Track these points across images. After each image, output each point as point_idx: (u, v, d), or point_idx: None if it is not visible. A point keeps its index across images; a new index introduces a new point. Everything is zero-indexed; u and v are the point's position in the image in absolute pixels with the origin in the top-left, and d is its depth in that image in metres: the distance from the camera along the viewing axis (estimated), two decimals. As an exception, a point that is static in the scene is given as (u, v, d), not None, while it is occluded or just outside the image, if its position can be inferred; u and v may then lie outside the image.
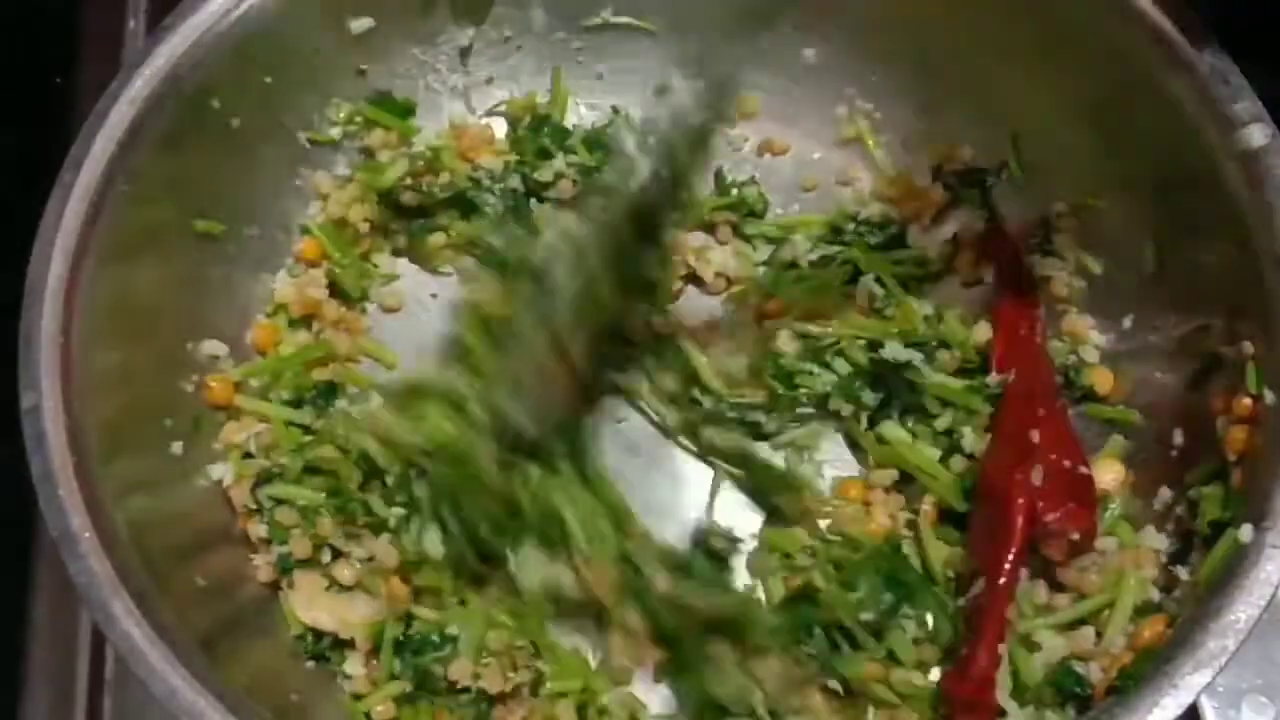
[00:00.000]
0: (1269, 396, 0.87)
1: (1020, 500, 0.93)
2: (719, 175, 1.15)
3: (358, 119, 1.10)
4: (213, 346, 1.04)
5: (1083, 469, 0.97)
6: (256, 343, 1.07)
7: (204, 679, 0.81)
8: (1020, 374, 1.02)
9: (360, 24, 1.06)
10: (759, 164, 1.17)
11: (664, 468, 1.06)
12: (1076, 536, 0.93)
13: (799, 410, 1.06)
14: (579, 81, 1.16)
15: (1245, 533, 0.82)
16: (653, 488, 1.05)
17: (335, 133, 1.10)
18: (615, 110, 1.16)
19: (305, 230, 1.10)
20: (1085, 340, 1.05)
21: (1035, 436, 0.96)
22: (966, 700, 0.91)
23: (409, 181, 1.10)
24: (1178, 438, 0.96)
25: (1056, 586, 0.97)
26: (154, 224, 0.98)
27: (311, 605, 0.98)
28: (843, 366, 1.04)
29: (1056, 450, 0.96)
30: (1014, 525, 0.93)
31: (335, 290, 1.10)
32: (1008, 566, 0.92)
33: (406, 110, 1.13)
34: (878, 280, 1.08)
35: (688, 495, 1.05)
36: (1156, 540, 0.94)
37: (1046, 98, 1.05)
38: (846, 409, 1.04)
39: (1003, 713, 0.90)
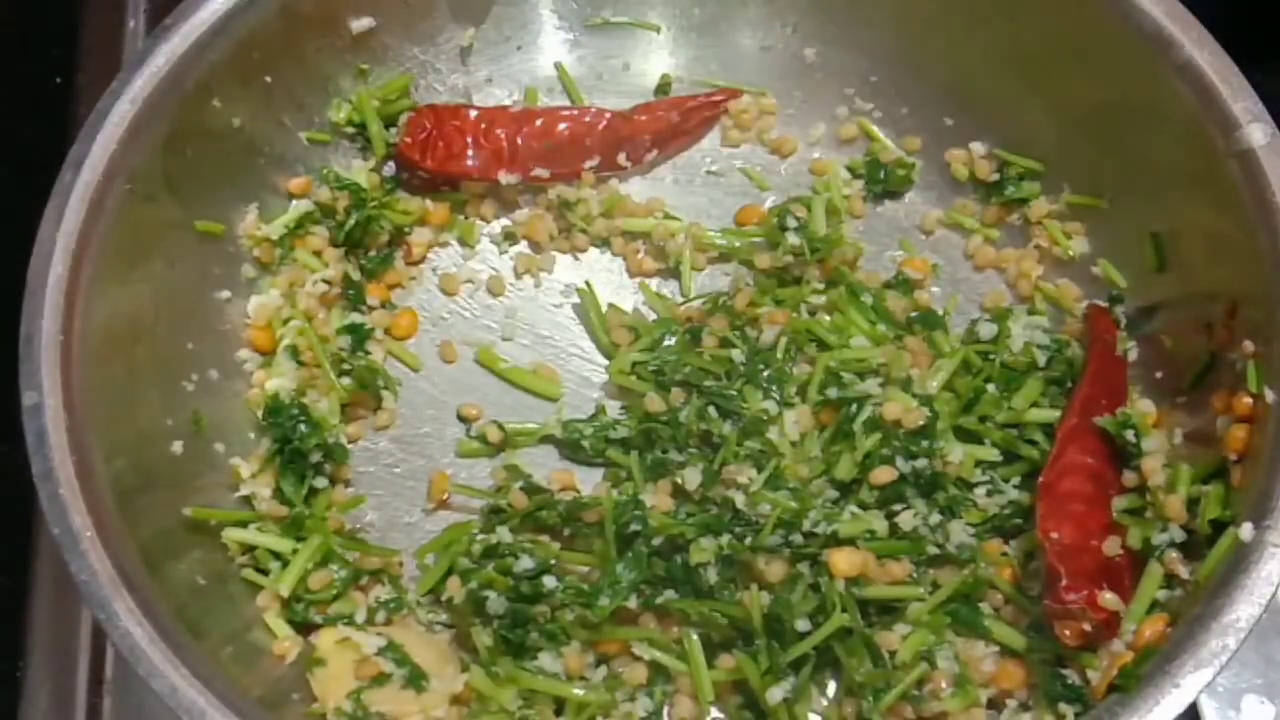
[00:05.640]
0: (1269, 396, 0.87)
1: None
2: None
3: (356, 119, 1.10)
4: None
5: (1120, 554, 0.90)
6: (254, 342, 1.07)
7: (204, 677, 0.81)
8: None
9: (360, 24, 1.06)
10: (761, 163, 1.16)
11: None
12: (1089, 628, 0.87)
13: None
14: (579, 81, 1.16)
15: (1245, 531, 0.82)
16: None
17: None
18: None
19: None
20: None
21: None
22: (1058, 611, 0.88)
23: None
24: (1177, 437, 0.96)
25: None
26: (154, 224, 0.98)
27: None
28: None
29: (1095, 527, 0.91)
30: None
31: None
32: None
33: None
34: None
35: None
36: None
37: (1047, 98, 1.05)
38: None
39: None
